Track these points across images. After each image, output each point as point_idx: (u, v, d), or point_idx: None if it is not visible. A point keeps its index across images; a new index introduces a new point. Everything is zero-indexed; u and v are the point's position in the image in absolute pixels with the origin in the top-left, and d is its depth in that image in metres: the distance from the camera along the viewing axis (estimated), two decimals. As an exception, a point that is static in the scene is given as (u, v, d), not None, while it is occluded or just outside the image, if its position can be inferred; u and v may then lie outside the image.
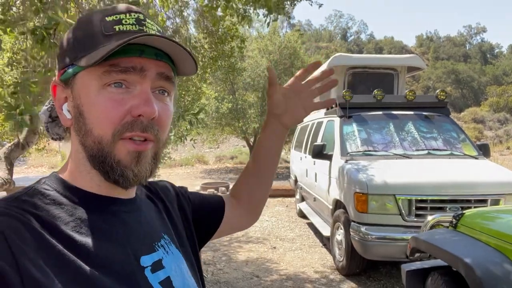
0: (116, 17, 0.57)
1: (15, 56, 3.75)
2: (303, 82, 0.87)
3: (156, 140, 0.58)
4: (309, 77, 0.89)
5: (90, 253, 0.51)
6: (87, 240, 0.52)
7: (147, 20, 0.59)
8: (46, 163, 16.65)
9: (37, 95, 3.53)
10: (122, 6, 0.59)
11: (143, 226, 0.63)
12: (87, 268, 0.49)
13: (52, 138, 0.65)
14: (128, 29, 0.56)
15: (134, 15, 0.58)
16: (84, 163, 0.59)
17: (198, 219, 0.82)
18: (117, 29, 0.56)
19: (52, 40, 1.73)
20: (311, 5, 4.85)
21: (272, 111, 0.87)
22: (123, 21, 0.57)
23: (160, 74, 0.58)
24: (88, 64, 0.53)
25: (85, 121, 0.56)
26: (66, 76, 0.58)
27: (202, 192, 8.50)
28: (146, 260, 0.59)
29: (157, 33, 0.58)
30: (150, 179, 0.75)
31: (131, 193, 0.65)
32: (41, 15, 1.87)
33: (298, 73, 0.87)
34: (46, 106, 0.65)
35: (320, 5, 4.91)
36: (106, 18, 0.57)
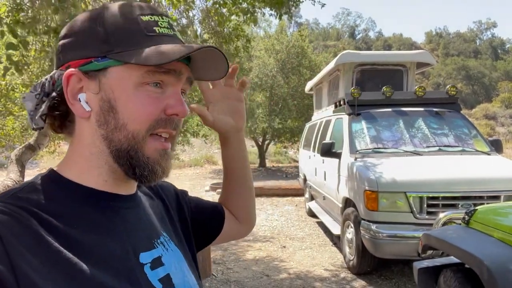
0: (151, 17, 0.58)
1: (41, 63, 3.77)
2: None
3: (173, 136, 0.62)
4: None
5: (89, 250, 0.51)
6: (86, 237, 0.52)
7: (172, 24, 0.62)
8: (57, 166, 16.86)
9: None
10: (150, 7, 0.60)
11: (143, 223, 0.63)
12: (85, 266, 0.49)
13: (33, 128, 0.62)
14: (165, 32, 0.59)
15: (166, 19, 0.60)
16: (97, 158, 0.58)
17: (197, 223, 0.82)
18: (157, 31, 0.58)
19: None
20: (314, 4, 4.83)
21: (215, 127, 0.83)
22: (159, 23, 0.59)
23: (188, 79, 0.62)
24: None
25: (117, 115, 0.56)
26: (94, 67, 0.56)
27: (211, 191, 8.49)
28: (146, 257, 0.59)
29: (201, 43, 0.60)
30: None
31: (132, 189, 0.64)
32: (61, 14, 1.88)
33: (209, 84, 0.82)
34: (33, 92, 0.60)
35: (323, 5, 4.87)
36: (142, 17, 0.58)
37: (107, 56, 0.55)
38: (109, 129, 0.56)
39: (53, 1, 2.06)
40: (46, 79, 0.60)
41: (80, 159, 0.59)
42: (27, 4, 2.71)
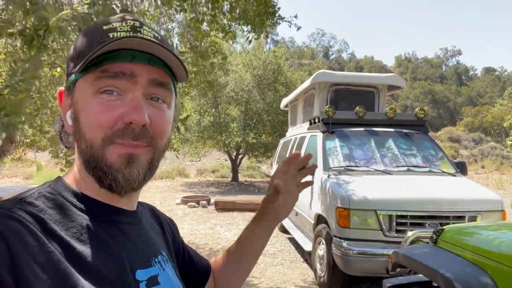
0: (112, 25, 0.58)
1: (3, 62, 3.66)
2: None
3: (151, 145, 0.58)
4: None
5: (87, 262, 0.51)
6: (86, 249, 0.52)
7: (144, 27, 0.59)
8: (20, 173, 16.09)
9: (18, 103, 3.44)
10: (119, 15, 0.61)
11: (142, 239, 0.63)
12: (81, 278, 0.49)
13: (66, 146, 0.65)
14: (121, 35, 0.56)
15: (130, 23, 0.58)
16: (83, 168, 0.59)
17: (182, 273, 0.79)
18: (110, 36, 0.56)
19: (41, 42, 1.71)
20: (290, 27, 4.98)
21: (270, 212, 0.86)
22: (118, 29, 0.57)
23: (152, 81, 0.57)
24: (75, 71, 0.55)
25: (79, 126, 0.57)
26: (68, 84, 0.59)
27: (182, 204, 8.25)
28: (142, 274, 0.58)
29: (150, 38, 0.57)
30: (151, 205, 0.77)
31: (133, 205, 0.65)
32: (31, 17, 1.84)
33: (284, 164, 0.84)
34: (60, 115, 0.65)
35: (299, 28, 5.02)
36: (104, 27, 0.58)
37: (72, 71, 0.58)
38: (77, 139, 0.58)
39: (27, 4, 2.01)
40: None
41: (77, 170, 0.61)
42: (2, 6, 2.63)
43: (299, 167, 0.86)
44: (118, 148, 0.55)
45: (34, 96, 3.65)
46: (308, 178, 0.87)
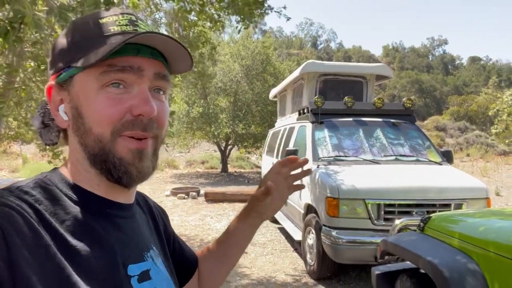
0: (109, 18, 0.58)
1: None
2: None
3: (155, 137, 0.60)
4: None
5: (80, 256, 0.51)
6: (79, 243, 0.52)
7: (139, 21, 0.60)
8: (6, 167, 15.81)
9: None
10: (114, 9, 0.61)
11: (135, 234, 0.63)
12: (73, 272, 0.49)
13: (46, 144, 0.65)
14: (123, 29, 0.57)
15: (127, 17, 0.59)
16: (82, 163, 0.59)
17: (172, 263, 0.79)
18: (112, 30, 0.57)
19: (17, 35, 1.66)
20: (279, 17, 4.95)
21: (256, 210, 0.87)
22: (117, 22, 0.58)
23: (157, 74, 0.59)
24: (85, 64, 0.54)
25: (83, 120, 0.57)
26: (62, 78, 0.58)
27: (172, 196, 8.22)
28: (134, 269, 0.59)
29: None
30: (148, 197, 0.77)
31: (130, 198, 0.65)
32: (6, 7, 1.79)
33: (278, 164, 0.88)
34: (39, 111, 0.64)
35: (288, 18, 4.99)
36: (100, 20, 0.58)
37: (70, 65, 0.57)
38: (80, 134, 0.58)
39: None
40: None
41: (72, 164, 0.60)
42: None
43: (293, 170, 0.88)
44: (128, 142, 0.56)
45: (18, 88, 3.57)
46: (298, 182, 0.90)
